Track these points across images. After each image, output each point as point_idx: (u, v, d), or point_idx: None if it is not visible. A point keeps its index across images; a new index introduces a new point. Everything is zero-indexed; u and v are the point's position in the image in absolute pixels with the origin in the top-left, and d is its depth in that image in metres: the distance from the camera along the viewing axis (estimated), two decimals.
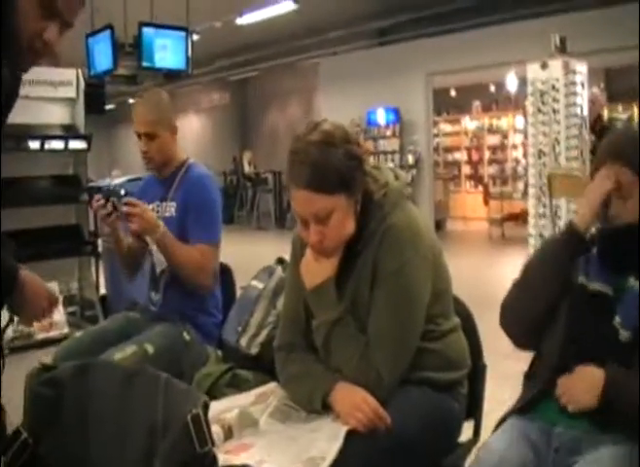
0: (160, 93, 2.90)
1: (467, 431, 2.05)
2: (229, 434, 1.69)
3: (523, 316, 1.89)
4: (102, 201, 2.66)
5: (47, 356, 2.59)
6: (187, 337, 2.70)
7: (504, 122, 16.64)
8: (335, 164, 1.74)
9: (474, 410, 2.06)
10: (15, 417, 1.54)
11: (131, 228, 2.67)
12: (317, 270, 1.86)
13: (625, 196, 1.77)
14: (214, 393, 2.08)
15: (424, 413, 1.79)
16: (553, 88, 7.38)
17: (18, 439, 1.33)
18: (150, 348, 2.56)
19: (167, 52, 7.09)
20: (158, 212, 2.83)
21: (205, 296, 2.82)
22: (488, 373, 2.10)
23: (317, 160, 1.73)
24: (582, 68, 7.55)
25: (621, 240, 1.80)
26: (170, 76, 8.20)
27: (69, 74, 6.14)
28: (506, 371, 1.87)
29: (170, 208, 2.81)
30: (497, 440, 1.73)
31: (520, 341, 1.95)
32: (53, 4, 1.45)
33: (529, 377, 1.92)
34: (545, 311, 1.84)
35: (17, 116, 5.26)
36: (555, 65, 7.40)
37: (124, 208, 2.64)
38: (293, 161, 1.78)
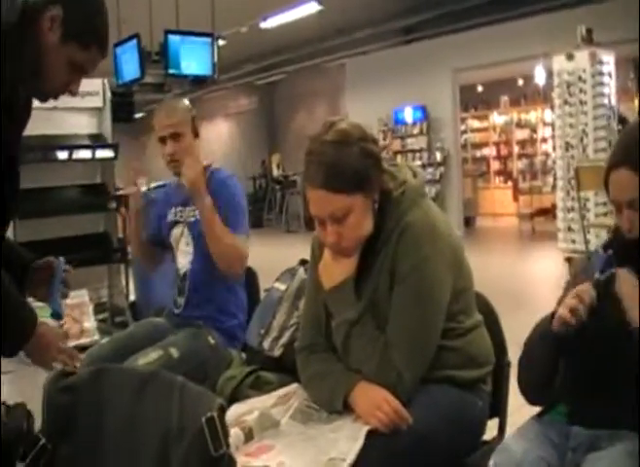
0: (180, 99, 2.95)
1: (491, 429, 2.03)
2: (249, 436, 1.69)
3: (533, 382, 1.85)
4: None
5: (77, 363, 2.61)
6: (211, 340, 2.71)
7: (532, 115, 16.48)
8: (350, 163, 1.73)
9: (498, 407, 2.03)
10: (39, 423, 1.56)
11: (185, 177, 2.69)
12: (335, 271, 1.85)
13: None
14: (237, 396, 2.09)
15: (446, 412, 1.78)
16: (580, 79, 7.29)
17: (37, 444, 1.34)
18: (175, 352, 2.57)
19: (193, 58, 7.13)
20: (181, 217, 2.87)
21: (229, 298, 2.83)
22: (513, 370, 2.08)
23: (333, 159, 1.73)
24: (609, 58, 7.45)
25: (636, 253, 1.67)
26: (197, 82, 8.24)
27: (95, 84, 6.20)
28: None
29: (195, 211, 2.80)
30: (516, 441, 1.71)
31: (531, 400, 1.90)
32: (80, 64, 1.65)
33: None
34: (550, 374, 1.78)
35: (45, 127, 5.31)
36: (582, 56, 7.32)
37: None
38: (309, 162, 1.77)
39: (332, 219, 1.76)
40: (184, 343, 2.65)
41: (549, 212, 11.39)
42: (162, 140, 2.83)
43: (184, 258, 2.83)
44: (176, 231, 2.89)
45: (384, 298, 1.82)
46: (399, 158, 12.80)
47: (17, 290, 1.69)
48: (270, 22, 10.90)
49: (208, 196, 2.68)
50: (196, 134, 2.88)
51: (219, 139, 20.32)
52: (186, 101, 2.95)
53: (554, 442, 1.68)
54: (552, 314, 1.71)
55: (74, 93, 1.69)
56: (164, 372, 1.40)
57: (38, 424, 1.58)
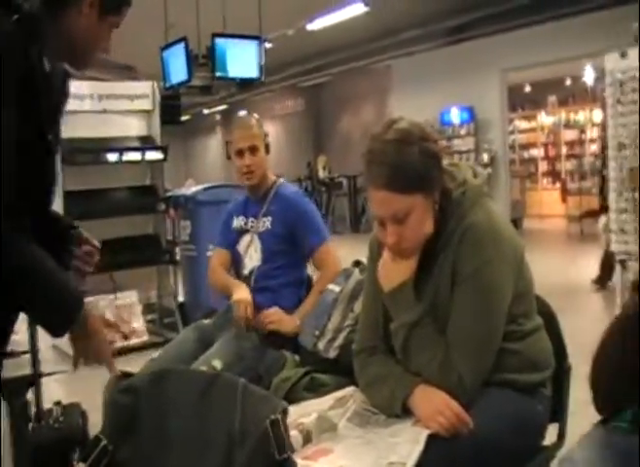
0: (252, 116, 3.16)
1: (551, 434, 1.98)
2: (307, 439, 1.68)
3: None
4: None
5: (126, 363, 2.63)
6: (255, 339, 2.73)
7: (581, 116, 16.24)
8: (412, 163, 1.71)
9: (558, 412, 2.00)
10: (99, 424, 1.56)
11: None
12: (395, 272, 1.83)
13: None
14: (292, 397, 2.07)
15: (507, 416, 1.74)
16: (634, 77, 7.14)
17: (99, 445, 1.34)
18: (218, 364, 2.57)
19: (240, 61, 7.15)
20: (252, 228, 3.03)
21: (287, 295, 2.94)
22: (572, 374, 2.03)
23: (394, 159, 1.70)
24: None
25: None
26: (244, 85, 8.24)
27: (145, 87, 6.29)
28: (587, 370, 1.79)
29: (265, 222, 2.99)
30: (580, 451, 1.65)
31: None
32: (114, 26, 1.74)
33: None
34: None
35: (96, 129, 5.42)
36: (635, 54, 7.15)
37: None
38: (370, 162, 1.75)
39: (393, 219, 1.74)
40: (225, 351, 2.66)
41: (598, 214, 11.19)
42: (240, 153, 3.01)
43: (250, 261, 3.01)
44: (245, 238, 3.05)
45: (445, 300, 1.79)
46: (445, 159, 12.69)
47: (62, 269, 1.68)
48: (317, 24, 10.90)
49: (294, 317, 2.82)
50: (268, 150, 3.08)
51: None
52: (256, 116, 3.16)
53: (621, 452, 1.62)
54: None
55: (107, 51, 1.77)
56: (227, 374, 1.39)
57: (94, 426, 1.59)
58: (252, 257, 3.01)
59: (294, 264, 2.99)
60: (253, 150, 2.99)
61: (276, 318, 2.80)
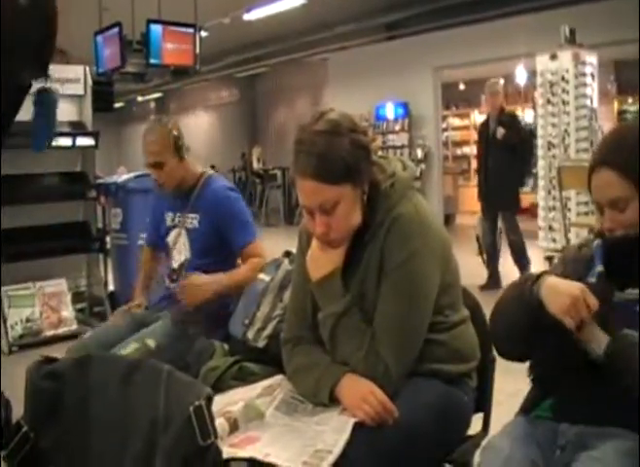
0: (164, 126, 2.99)
1: (476, 424, 2.02)
2: (234, 427, 1.67)
3: (507, 333, 1.78)
4: None
5: (55, 353, 2.59)
6: (190, 330, 2.70)
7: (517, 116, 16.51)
8: (341, 154, 1.72)
9: (483, 403, 2.04)
10: (18, 412, 1.53)
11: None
12: (323, 262, 1.84)
13: (621, 207, 1.64)
14: (220, 386, 2.06)
15: (433, 406, 1.76)
16: (563, 79, 7.33)
17: (19, 432, 1.31)
18: (151, 343, 2.59)
19: (175, 49, 7.07)
20: (179, 223, 2.98)
21: None
22: (498, 366, 2.07)
23: (323, 149, 1.71)
24: (592, 59, 7.50)
25: (620, 252, 1.67)
26: (178, 73, 8.15)
27: (77, 71, 6.16)
28: (515, 364, 1.83)
29: (193, 220, 2.96)
30: (502, 439, 1.70)
31: (505, 352, 1.86)
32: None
33: (531, 377, 1.87)
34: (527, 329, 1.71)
35: (25, 113, 5.27)
36: (565, 56, 7.35)
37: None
38: (298, 151, 1.75)
39: (321, 209, 1.75)
40: (161, 333, 2.67)
41: (527, 211, 11.44)
42: (149, 166, 2.97)
43: (180, 254, 2.98)
44: (174, 233, 3.03)
45: (372, 290, 1.81)
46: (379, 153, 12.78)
47: None
48: (254, 14, 10.83)
49: (214, 282, 2.78)
50: (182, 156, 2.97)
51: (199, 131, 20.23)
52: (168, 124, 3.00)
53: (541, 440, 1.66)
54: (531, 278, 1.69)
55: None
56: (151, 360, 1.37)
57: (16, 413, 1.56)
58: (180, 251, 2.99)
59: (224, 260, 2.94)
60: (159, 165, 2.93)
61: (185, 292, 2.77)
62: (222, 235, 2.92)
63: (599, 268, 1.68)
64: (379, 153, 1.95)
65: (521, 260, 6.87)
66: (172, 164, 2.93)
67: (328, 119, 1.76)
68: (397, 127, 13.11)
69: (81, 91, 6.15)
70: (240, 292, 2.58)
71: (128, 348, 2.55)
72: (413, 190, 1.91)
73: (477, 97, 16.81)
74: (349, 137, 1.74)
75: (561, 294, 1.58)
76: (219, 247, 2.93)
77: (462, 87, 16.78)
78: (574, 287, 1.59)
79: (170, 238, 3.03)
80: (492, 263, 6.96)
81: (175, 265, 2.99)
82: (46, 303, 5.44)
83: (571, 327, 1.56)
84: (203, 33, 8.66)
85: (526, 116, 15.55)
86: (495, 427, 1.89)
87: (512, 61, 12.11)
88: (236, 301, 2.75)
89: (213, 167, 17.38)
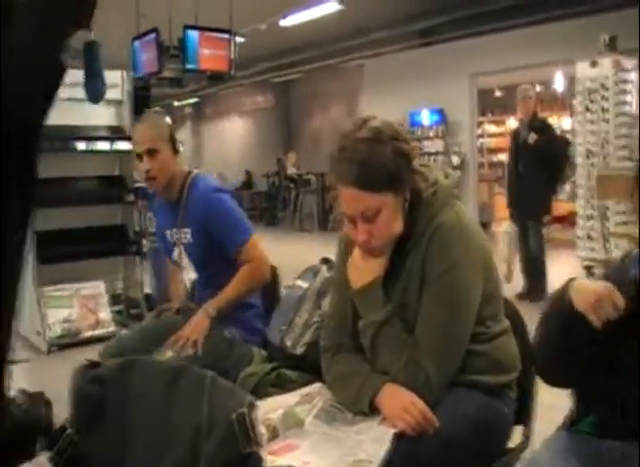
0: (160, 116, 2.95)
1: (516, 437, 1.99)
2: (274, 434, 1.67)
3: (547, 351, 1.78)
4: None
5: (93, 353, 2.61)
6: (228, 335, 2.70)
7: (550, 122, 16.37)
8: (383, 162, 1.71)
9: (523, 415, 2.01)
10: (62, 413, 1.54)
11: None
12: (365, 270, 1.83)
13: None
14: (258, 393, 2.06)
15: (473, 417, 1.75)
16: (603, 86, 7.24)
17: (64, 434, 1.32)
18: (189, 350, 2.57)
19: (211, 54, 7.12)
20: (177, 239, 2.88)
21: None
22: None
23: (365, 157, 1.70)
24: (633, 66, 7.39)
25: None
26: (214, 78, 8.20)
27: (115, 76, 6.22)
28: None
29: (186, 235, 2.84)
30: (542, 453, 1.67)
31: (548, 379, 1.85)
32: None
33: (573, 393, 1.84)
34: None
35: (65, 117, 5.35)
36: (605, 63, 7.26)
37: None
38: (340, 159, 1.75)
39: (363, 217, 1.74)
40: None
41: (564, 220, 11.31)
42: (139, 156, 2.80)
43: (187, 273, 2.91)
44: (175, 251, 2.93)
45: (413, 300, 1.80)
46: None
47: None
48: (290, 20, 10.87)
49: (209, 309, 2.71)
50: (176, 151, 2.83)
51: (234, 136, 20.33)
52: (166, 117, 2.94)
53: (582, 455, 1.63)
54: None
55: None
56: (194, 366, 1.38)
57: (60, 415, 1.57)
58: (187, 270, 2.91)
59: (228, 267, 2.78)
60: (151, 152, 2.75)
61: (184, 336, 2.64)
62: (216, 242, 2.77)
63: (634, 273, 1.66)
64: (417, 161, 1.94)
65: (533, 270, 6.69)
66: (166, 155, 2.79)
67: (370, 126, 1.76)
68: (432, 134, 13.04)
69: (119, 96, 6.21)
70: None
71: (167, 353, 2.55)
72: (455, 198, 1.90)
73: (513, 104, 16.61)
74: (391, 145, 1.74)
75: (587, 291, 1.59)
76: (220, 255, 2.80)
77: (498, 93, 16.67)
78: (600, 285, 1.60)
79: (175, 259, 2.94)
80: (529, 271, 6.83)
81: (188, 285, 2.94)
82: (84, 304, 5.50)
83: (597, 325, 1.55)
84: (239, 39, 8.72)
85: (563, 123, 15.42)
86: (533, 439, 1.87)
87: (549, 68, 12.00)
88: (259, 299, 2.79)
89: (248, 172, 17.33)
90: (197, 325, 2.66)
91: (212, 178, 3.04)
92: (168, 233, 2.92)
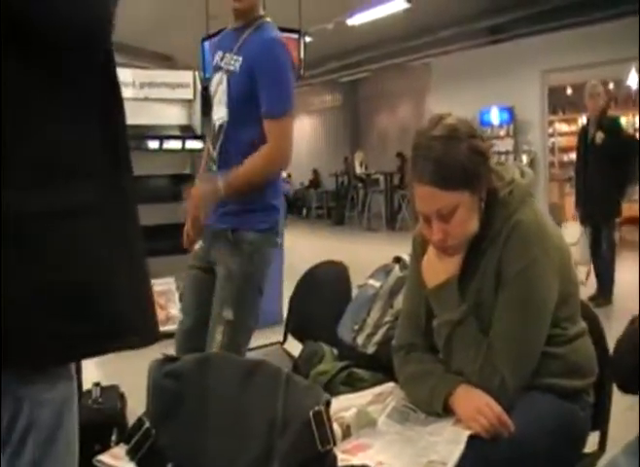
0: None
1: (592, 442, 1.94)
2: (346, 433, 1.67)
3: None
4: None
5: (164, 349, 2.64)
6: (249, 248, 2.60)
7: (623, 120, 15.97)
8: (459, 160, 1.69)
9: (600, 420, 1.95)
10: (138, 407, 1.56)
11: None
12: (440, 269, 1.81)
13: None
14: (329, 391, 2.05)
15: (548, 422, 1.71)
16: None
17: (141, 427, 1.34)
18: (229, 314, 2.52)
19: None
20: (224, 63, 2.69)
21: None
22: None
23: (441, 155, 1.69)
24: None
25: None
26: None
27: (186, 76, 6.32)
28: None
29: (235, 63, 2.63)
30: (621, 458, 1.62)
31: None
32: None
33: None
34: None
35: (138, 117, 5.44)
36: None
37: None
38: (416, 157, 1.74)
39: (438, 216, 1.73)
40: (230, 290, 2.56)
41: (637, 221, 11.02)
42: None
43: (219, 109, 2.69)
44: (217, 77, 2.73)
45: (489, 299, 1.77)
46: None
47: None
48: (357, 19, 10.86)
49: (219, 182, 2.53)
50: None
51: (302, 135, 20.44)
52: None
53: None
54: None
55: None
56: (270, 363, 1.38)
57: (137, 408, 1.59)
58: (220, 101, 2.68)
59: (257, 124, 2.56)
60: None
61: (194, 204, 2.56)
62: (254, 96, 2.54)
63: None
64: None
65: (603, 275, 6.50)
66: None
67: (445, 124, 1.74)
68: (502, 133, 12.86)
69: (190, 96, 6.31)
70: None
71: (217, 337, 2.49)
72: (532, 197, 1.86)
73: (584, 102, 16.36)
74: (467, 143, 1.71)
75: None
76: (249, 114, 2.57)
77: (569, 91, 16.34)
78: None
79: (213, 86, 2.74)
80: (599, 273, 6.65)
81: (217, 124, 2.70)
82: (155, 300, 5.59)
83: None
84: (307, 38, 8.75)
85: (637, 122, 15.04)
86: (610, 445, 1.82)
87: (622, 65, 11.72)
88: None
89: (315, 171, 17.41)
90: (201, 198, 2.56)
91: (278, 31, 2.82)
92: (219, 53, 2.74)
